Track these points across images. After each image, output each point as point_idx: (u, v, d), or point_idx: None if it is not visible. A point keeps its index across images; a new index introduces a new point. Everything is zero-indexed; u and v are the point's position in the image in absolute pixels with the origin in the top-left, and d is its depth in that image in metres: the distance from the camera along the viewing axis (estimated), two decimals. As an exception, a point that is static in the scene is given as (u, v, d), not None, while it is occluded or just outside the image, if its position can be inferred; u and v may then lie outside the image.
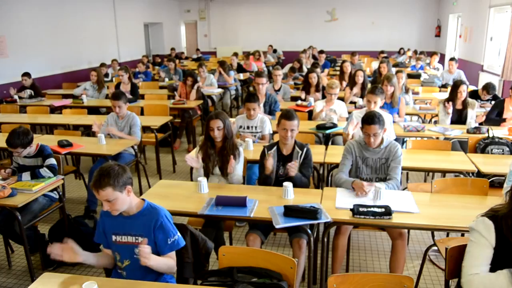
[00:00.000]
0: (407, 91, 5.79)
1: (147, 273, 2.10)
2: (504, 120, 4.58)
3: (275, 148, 3.15)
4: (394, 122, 4.63)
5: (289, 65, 8.71)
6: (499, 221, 1.74)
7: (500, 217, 1.74)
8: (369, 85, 6.40)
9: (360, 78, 6.10)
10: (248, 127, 4.15)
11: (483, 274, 1.73)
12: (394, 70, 6.82)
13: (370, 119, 2.92)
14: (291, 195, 2.78)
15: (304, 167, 3.08)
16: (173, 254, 2.13)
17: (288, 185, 2.77)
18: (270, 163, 2.99)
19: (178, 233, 2.13)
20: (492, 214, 1.79)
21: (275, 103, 5.11)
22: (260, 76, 5.08)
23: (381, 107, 4.76)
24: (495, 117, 4.66)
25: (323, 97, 5.66)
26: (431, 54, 8.81)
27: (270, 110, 5.04)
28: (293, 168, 2.92)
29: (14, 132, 3.18)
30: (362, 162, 3.07)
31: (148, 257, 1.94)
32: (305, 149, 3.08)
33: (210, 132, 3.13)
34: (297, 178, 2.96)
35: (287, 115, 3.04)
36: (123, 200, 2.03)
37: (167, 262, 2.10)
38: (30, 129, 3.36)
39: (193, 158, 3.17)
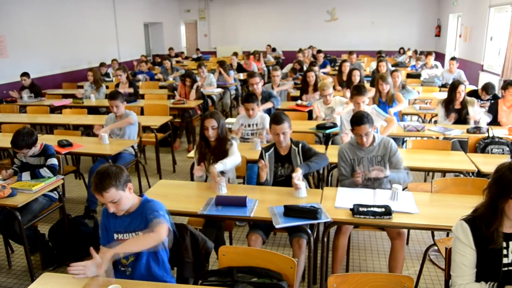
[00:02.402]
0: (403, 87, 5.78)
1: (152, 268, 2.10)
2: (499, 124, 4.56)
3: (272, 149, 3.15)
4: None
5: (289, 65, 8.70)
6: (477, 222, 1.75)
7: (478, 216, 1.75)
8: (367, 85, 6.43)
9: (356, 78, 6.11)
10: (249, 125, 4.19)
11: (468, 285, 1.76)
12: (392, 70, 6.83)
13: (359, 120, 2.94)
14: (304, 193, 2.77)
15: (308, 155, 3.05)
16: (157, 224, 1.96)
17: (300, 184, 2.76)
18: (265, 172, 2.99)
19: (166, 217, 2.04)
20: (471, 216, 1.79)
21: (269, 94, 5.17)
22: (252, 77, 5.18)
23: (377, 105, 4.78)
24: (493, 121, 4.63)
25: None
26: (426, 54, 8.79)
27: (266, 101, 5.09)
28: (298, 181, 2.82)
29: (18, 133, 3.18)
30: (358, 164, 3.08)
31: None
32: (300, 145, 3.09)
33: (205, 131, 3.14)
34: (305, 169, 2.91)
35: (275, 120, 3.02)
36: (127, 198, 2.05)
37: (141, 236, 1.98)
38: (30, 129, 3.36)
39: (200, 169, 3.15)
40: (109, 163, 2.08)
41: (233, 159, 3.11)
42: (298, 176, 2.78)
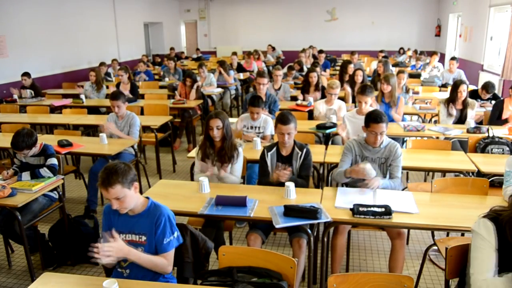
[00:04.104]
0: (407, 91, 5.78)
1: (150, 271, 2.10)
2: (506, 121, 4.57)
3: (274, 149, 3.15)
4: (391, 121, 4.63)
5: (288, 65, 8.71)
6: (502, 225, 1.71)
7: (504, 222, 1.71)
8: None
9: (359, 78, 6.11)
10: (251, 127, 4.18)
11: (491, 279, 1.70)
12: (393, 69, 6.82)
13: (378, 118, 2.91)
14: (293, 195, 2.77)
15: (303, 168, 3.09)
16: (168, 256, 2.11)
17: (290, 185, 2.77)
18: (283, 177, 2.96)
19: (177, 233, 2.13)
20: (493, 216, 1.76)
21: (275, 102, 5.11)
22: (261, 76, 5.08)
23: (380, 106, 4.78)
24: (496, 119, 4.64)
25: (323, 96, 5.66)
26: (431, 53, 8.81)
27: (269, 110, 5.04)
28: (283, 175, 2.89)
29: (18, 134, 3.17)
30: (361, 161, 3.07)
31: (111, 253, 1.92)
32: (304, 150, 3.08)
33: (210, 132, 3.13)
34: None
35: (282, 120, 3.02)
36: (132, 197, 2.05)
37: (154, 259, 2.07)
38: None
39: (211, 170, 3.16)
40: (119, 161, 2.07)
41: (234, 181, 3.16)
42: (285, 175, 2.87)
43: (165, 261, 2.09)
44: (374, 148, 3.04)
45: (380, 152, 3.05)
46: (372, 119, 2.95)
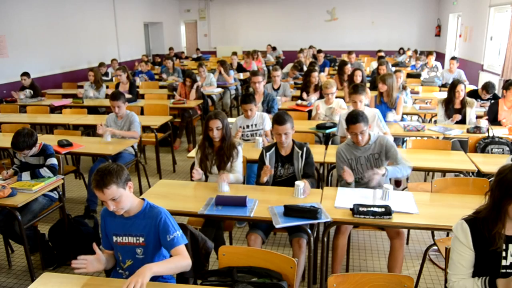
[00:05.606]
0: (404, 89, 5.77)
1: None
2: (500, 123, 4.56)
3: (273, 149, 3.15)
4: (387, 121, 4.61)
5: (290, 65, 8.71)
6: (479, 224, 1.75)
7: (481, 219, 1.75)
8: (367, 85, 6.42)
9: (358, 78, 6.11)
10: (247, 126, 4.16)
11: (462, 281, 1.78)
12: (393, 70, 6.81)
13: (354, 119, 2.95)
14: (303, 194, 2.77)
15: (307, 166, 3.08)
16: (181, 250, 2.04)
17: (300, 184, 2.77)
18: (267, 176, 3.00)
19: (179, 231, 2.10)
20: (473, 217, 1.80)
21: (273, 101, 5.12)
22: (255, 75, 5.12)
23: (379, 106, 4.78)
24: (492, 120, 4.63)
25: (321, 96, 5.66)
26: (427, 54, 8.79)
27: (268, 108, 5.05)
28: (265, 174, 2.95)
29: (19, 135, 3.16)
30: (356, 163, 3.09)
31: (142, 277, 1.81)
32: (304, 149, 3.08)
33: (209, 132, 3.13)
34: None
35: (278, 120, 3.02)
36: (127, 197, 2.03)
37: (174, 261, 2.02)
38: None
39: (198, 172, 3.13)
40: (110, 162, 2.07)
41: (238, 178, 3.15)
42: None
43: (180, 257, 2.02)
44: (363, 146, 3.06)
45: (370, 149, 3.08)
46: (349, 120, 2.99)
